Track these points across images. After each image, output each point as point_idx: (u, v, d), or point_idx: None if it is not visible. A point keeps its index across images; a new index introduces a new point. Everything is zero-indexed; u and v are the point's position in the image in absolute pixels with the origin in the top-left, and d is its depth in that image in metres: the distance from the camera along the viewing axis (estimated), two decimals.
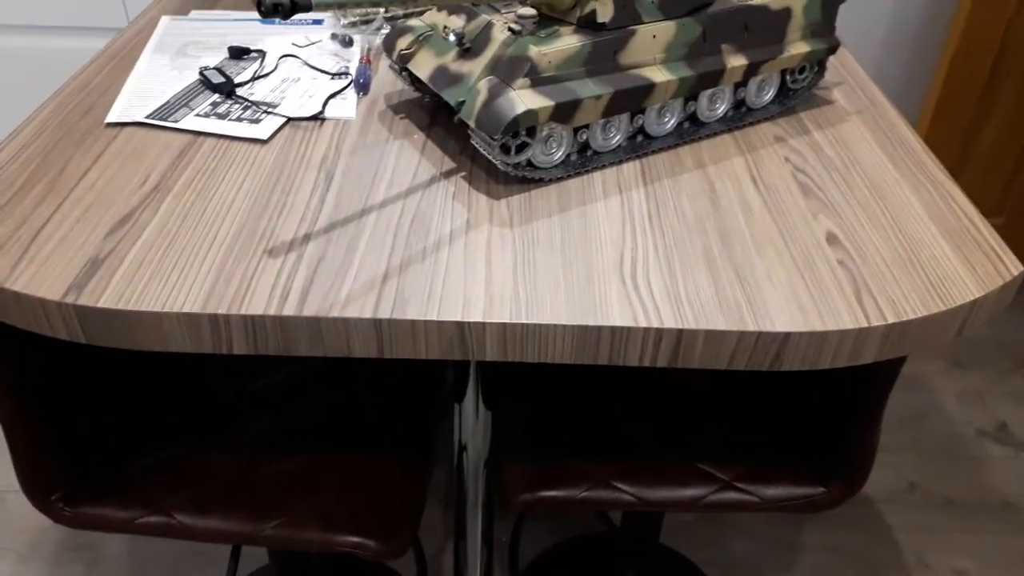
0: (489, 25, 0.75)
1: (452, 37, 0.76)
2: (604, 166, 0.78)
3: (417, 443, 0.85)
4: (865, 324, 0.60)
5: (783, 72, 0.85)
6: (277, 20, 1.02)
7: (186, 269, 0.63)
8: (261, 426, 0.85)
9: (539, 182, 0.76)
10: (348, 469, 0.81)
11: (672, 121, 0.81)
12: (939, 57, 1.81)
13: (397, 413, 0.87)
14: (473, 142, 0.75)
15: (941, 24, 1.86)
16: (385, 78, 0.92)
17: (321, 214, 0.71)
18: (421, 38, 0.80)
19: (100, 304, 0.60)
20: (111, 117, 0.82)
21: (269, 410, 0.87)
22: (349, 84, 0.89)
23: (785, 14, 0.82)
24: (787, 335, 0.60)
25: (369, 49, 0.95)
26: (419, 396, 0.89)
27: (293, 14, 0.57)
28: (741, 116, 0.85)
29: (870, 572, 1.42)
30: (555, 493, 0.80)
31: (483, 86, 0.72)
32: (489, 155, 0.74)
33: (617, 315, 0.60)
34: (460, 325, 0.60)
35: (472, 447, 1.28)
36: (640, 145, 0.80)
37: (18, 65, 1.61)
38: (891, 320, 0.61)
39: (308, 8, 0.58)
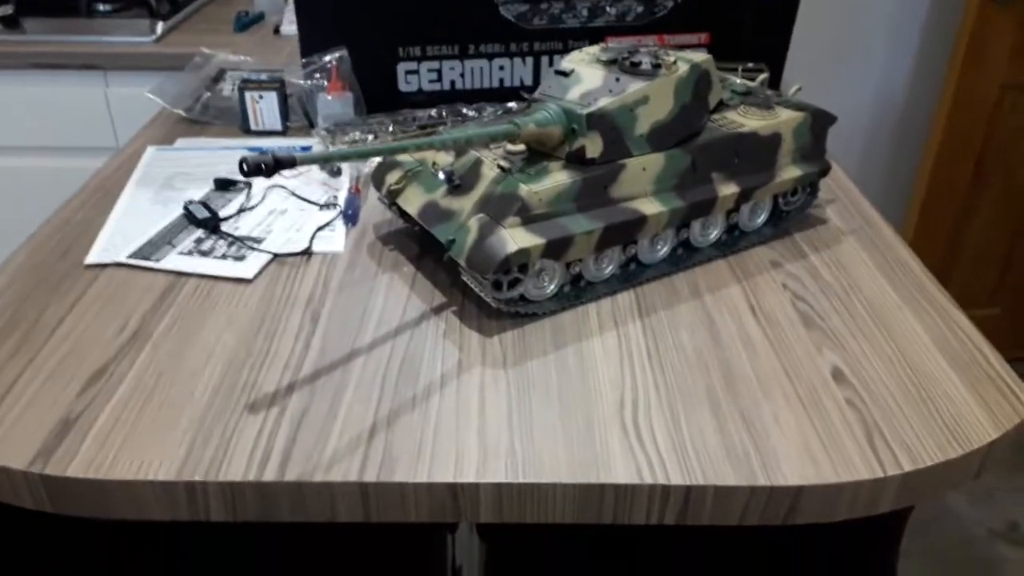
0: (478, 162, 0.74)
1: (441, 175, 0.75)
2: (598, 297, 0.76)
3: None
4: (881, 474, 0.57)
5: (775, 195, 0.85)
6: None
7: (162, 430, 0.60)
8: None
9: (533, 316, 0.74)
10: None
11: (665, 249, 0.79)
12: (922, 149, 1.84)
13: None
14: (464, 278, 0.73)
15: (922, 117, 1.89)
16: (374, 207, 0.91)
17: (306, 360, 0.68)
18: (410, 173, 0.79)
19: (69, 472, 0.56)
20: (91, 258, 0.80)
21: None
22: (337, 216, 0.88)
23: (775, 140, 0.82)
24: (800, 488, 0.56)
25: (358, 178, 0.95)
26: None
27: (276, 172, 0.55)
28: (735, 240, 0.84)
29: None
30: None
31: (473, 224, 0.71)
32: (480, 292, 0.72)
33: (620, 470, 0.57)
34: (452, 487, 0.56)
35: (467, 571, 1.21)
36: (634, 273, 0.78)
37: (4, 186, 1.61)
38: (907, 468, 0.57)
39: (292, 165, 0.56)
